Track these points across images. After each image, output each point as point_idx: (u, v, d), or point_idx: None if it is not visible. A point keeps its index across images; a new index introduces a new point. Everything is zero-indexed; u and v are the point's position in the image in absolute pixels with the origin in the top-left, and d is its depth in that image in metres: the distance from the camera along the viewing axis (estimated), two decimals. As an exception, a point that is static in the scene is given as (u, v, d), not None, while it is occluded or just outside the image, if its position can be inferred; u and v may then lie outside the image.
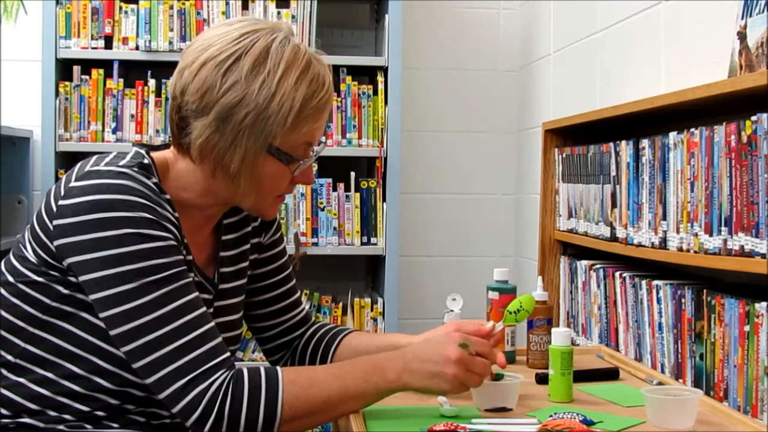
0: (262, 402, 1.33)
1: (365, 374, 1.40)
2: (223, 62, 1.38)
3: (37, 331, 1.39)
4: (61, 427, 1.39)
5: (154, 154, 1.46)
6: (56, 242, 1.35)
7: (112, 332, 1.33)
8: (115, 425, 1.40)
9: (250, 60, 1.38)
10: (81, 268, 1.33)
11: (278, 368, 1.38)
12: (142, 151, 1.44)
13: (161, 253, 1.34)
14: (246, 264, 1.61)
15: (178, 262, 1.36)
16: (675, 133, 1.85)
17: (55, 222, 1.34)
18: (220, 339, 1.37)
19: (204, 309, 1.37)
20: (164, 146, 1.51)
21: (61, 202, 1.35)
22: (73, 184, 1.36)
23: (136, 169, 1.39)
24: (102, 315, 1.34)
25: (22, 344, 1.40)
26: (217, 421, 1.32)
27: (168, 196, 1.41)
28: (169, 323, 1.32)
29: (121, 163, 1.40)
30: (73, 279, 1.36)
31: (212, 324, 1.37)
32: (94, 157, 1.44)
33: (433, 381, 1.41)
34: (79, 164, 1.44)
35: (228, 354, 1.37)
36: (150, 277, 1.32)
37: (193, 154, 1.42)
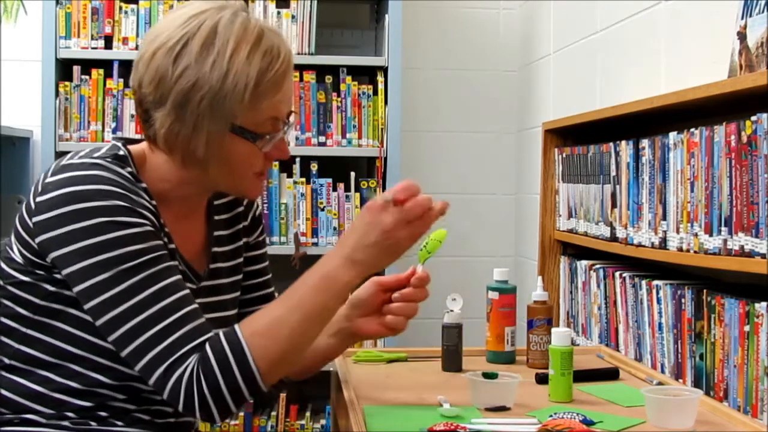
0: (235, 367, 1.32)
1: (318, 291, 1.38)
2: (172, 48, 1.36)
3: (29, 331, 1.39)
4: (65, 423, 1.39)
5: (132, 147, 1.45)
6: (38, 239, 1.35)
7: (98, 323, 1.33)
8: (120, 423, 1.40)
9: (199, 42, 1.36)
10: (62, 261, 1.33)
11: (236, 326, 1.36)
12: (119, 144, 1.44)
13: (137, 239, 1.33)
14: (241, 260, 1.61)
15: (155, 247, 1.35)
16: (675, 133, 1.85)
17: (35, 219, 1.35)
18: (201, 320, 1.35)
19: (186, 292, 1.36)
20: (144, 139, 1.50)
21: (38, 199, 1.35)
22: (48, 179, 1.36)
23: (109, 159, 1.38)
24: (86, 307, 1.33)
25: (16, 345, 1.40)
26: (202, 401, 1.31)
27: (144, 185, 1.40)
28: (148, 308, 1.31)
29: (95, 155, 1.39)
30: (58, 275, 1.36)
31: (193, 306, 1.36)
32: (71, 153, 1.44)
33: (388, 253, 1.40)
34: (56, 161, 1.44)
35: (208, 335, 1.35)
36: (127, 263, 1.31)
37: (161, 145, 1.41)
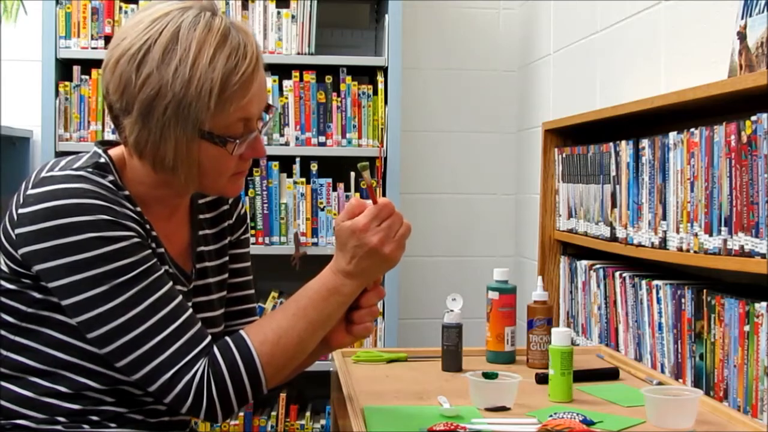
0: (244, 375, 1.35)
1: (323, 301, 1.41)
2: (135, 55, 1.33)
3: (17, 338, 1.39)
4: (57, 427, 1.38)
5: (113, 151, 1.44)
6: (20, 251, 1.34)
7: (89, 335, 1.33)
8: (113, 425, 1.40)
9: (160, 48, 1.32)
10: (48, 275, 1.32)
11: (243, 334, 1.38)
12: (99, 150, 1.42)
13: (125, 253, 1.32)
14: (226, 259, 1.60)
15: (144, 259, 1.34)
16: (675, 133, 1.85)
17: (17, 231, 1.33)
18: (198, 325, 1.36)
19: (179, 299, 1.36)
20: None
21: (20, 211, 1.33)
22: (29, 191, 1.34)
23: (90, 169, 1.37)
24: (77, 320, 1.33)
25: (4, 352, 1.39)
26: (210, 405, 1.33)
27: (127, 192, 1.39)
28: (145, 321, 1.32)
29: (75, 166, 1.37)
30: (45, 284, 1.35)
31: (189, 312, 1.36)
32: (51, 162, 1.42)
33: (387, 264, 1.44)
34: (36, 170, 1.42)
35: (208, 339, 1.36)
36: (118, 278, 1.31)
37: (131, 150, 1.39)
